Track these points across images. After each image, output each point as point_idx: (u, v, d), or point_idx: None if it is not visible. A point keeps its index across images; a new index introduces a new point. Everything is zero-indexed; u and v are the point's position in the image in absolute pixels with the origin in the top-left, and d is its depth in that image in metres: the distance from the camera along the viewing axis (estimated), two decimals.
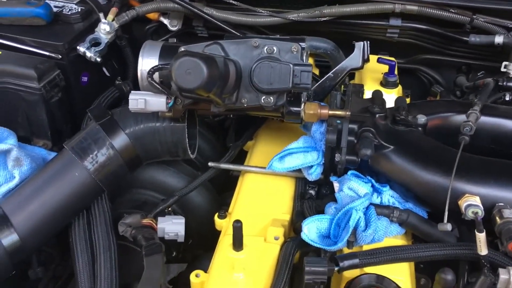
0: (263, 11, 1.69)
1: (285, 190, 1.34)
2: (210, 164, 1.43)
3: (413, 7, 1.61)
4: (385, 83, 1.57)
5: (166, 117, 1.28)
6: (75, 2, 1.71)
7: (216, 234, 1.26)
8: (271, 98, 1.16)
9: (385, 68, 1.58)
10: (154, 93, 1.18)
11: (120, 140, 1.30)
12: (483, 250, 1.01)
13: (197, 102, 1.22)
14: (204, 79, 0.98)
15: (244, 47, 1.16)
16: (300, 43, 1.17)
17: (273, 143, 1.47)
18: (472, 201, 1.05)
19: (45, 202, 1.26)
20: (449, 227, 1.02)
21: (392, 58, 1.63)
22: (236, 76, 1.13)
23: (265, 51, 1.15)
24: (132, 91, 1.20)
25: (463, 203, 1.06)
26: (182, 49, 1.15)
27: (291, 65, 1.12)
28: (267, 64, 1.12)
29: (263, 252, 1.12)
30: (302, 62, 1.15)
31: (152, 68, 1.15)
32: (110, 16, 1.61)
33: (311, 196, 1.32)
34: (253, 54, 1.16)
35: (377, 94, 1.31)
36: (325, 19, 1.67)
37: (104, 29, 1.58)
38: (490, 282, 0.98)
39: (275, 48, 1.15)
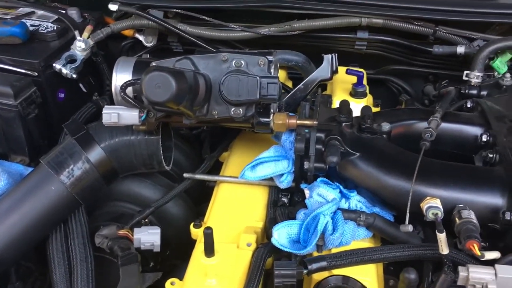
0: (235, 26, 1.74)
1: (259, 199, 1.38)
2: (185, 175, 1.47)
3: (378, 20, 1.67)
4: (354, 93, 1.62)
5: (141, 130, 1.31)
6: (51, 20, 1.75)
7: (193, 244, 1.29)
8: (241, 109, 1.20)
9: (355, 79, 1.64)
10: (128, 107, 1.22)
11: (96, 153, 1.33)
12: (444, 249, 1.05)
13: (170, 115, 1.26)
14: (173, 92, 1.03)
15: (213, 61, 1.21)
16: (267, 57, 1.22)
17: (248, 154, 1.51)
18: (432, 203, 1.10)
19: (22, 216, 1.29)
20: (410, 228, 1.07)
21: (361, 69, 1.70)
22: (206, 89, 1.18)
23: (233, 65, 1.20)
24: (105, 106, 1.24)
25: (424, 205, 1.11)
26: (153, 64, 1.19)
27: (258, 78, 1.17)
28: (235, 77, 1.17)
29: (235, 258, 1.16)
30: (269, 75, 1.20)
31: (125, 83, 1.19)
32: (86, 34, 1.65)
33: (284, 204, 1.36)
34: (222, 68, 1.20)
35: (344, 104, 1.36)
36: (295, 33, 1.73)
37: (80, 46, 1.62)
38: (451, 280, 1.02)
39: (242, 61, 1.20)
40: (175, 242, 1.51)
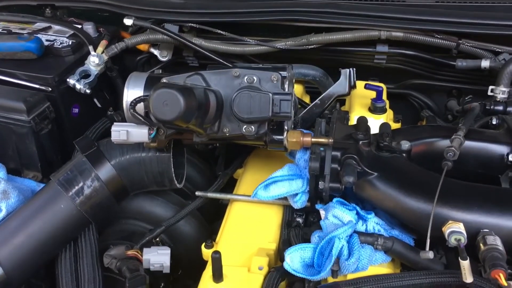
0: (251, 40, 1.71)
1: (272, 218, 1.33)
2: (197, 193, 1.43)
3: (398, 34, 1.62)
4: (373, 109, 1.57)
5: (151, 147, 1.28)
6: (67, 35, 1.75)
7: (206, 264, 1.25)
8: (252, 127, 1.16)
9: (374, 93, 1.58)
10: (137, 124, 1.19)
11: (106, 171, 1.31)
12: (468, 278, 0.99)
13: (181, 132, 1.23)
14: (181, 110, 0.99)
15: (225, 77, 1.17)
16: (281, 72, 1.18)
17: (262, 171, 1.46)
18: (455, 228, 1.04)
19: (30, 235, 1.27)
20: (431, 255, 1.01)
21: (381, 84, 1.64)
22: (217, 106, 1.14)
23: (245, 81, 1.16)
24: (114, 123, 1.21)
25: (446, 229, 1.04)
26: (163, 80, 1.16)
27: (271, 94, 1.12)
28: (246, 93, 1.13)
29: (246, 282, 1.11)
30: (282, 91, 1.16)
31: (134, 99, 1.16)
32: (100, 49, 1.64)
33: (298, 224, 1.31)
34: (234, 84, 1.17)
35: (361, 121, 1.30)
36: (312, 47, 1.68)
37: (94, 61, 1.61)
38: None
39: (255, 77, 1.16)
40: (188, 262, 1.48)
